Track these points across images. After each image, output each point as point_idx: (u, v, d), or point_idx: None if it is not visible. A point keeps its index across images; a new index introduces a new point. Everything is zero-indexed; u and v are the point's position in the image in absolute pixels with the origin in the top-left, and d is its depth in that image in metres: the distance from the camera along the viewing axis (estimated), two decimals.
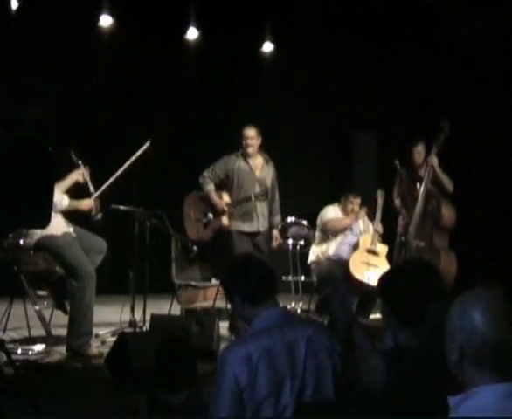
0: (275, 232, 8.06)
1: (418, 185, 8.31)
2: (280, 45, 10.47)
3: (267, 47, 10.51)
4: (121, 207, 7.46)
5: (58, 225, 6.60)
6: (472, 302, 2.27)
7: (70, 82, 9.32)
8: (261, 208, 7.86)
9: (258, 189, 7.81)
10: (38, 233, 6.56)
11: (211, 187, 7.88)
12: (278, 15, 9.82)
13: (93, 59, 9.65)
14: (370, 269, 8.01)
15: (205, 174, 7.90)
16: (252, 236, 7.82)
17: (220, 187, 7.96)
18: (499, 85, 9.17)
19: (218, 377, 3.21)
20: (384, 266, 7.84)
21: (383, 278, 3.41)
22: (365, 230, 8.41)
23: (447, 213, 8.26)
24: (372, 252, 8.17)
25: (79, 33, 9.23)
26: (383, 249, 8.27)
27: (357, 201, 8.33)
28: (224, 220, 7.86)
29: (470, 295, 2.31)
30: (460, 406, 2.22)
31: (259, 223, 7.84)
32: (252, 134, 7.81)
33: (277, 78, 10.69)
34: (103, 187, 7.07)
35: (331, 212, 8.41)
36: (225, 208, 7.84)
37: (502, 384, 2.20)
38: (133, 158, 7.29)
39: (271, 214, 7.99)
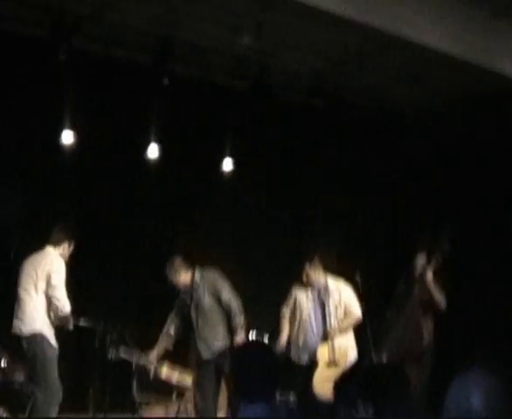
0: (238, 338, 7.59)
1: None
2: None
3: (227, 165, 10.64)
4: (81, 322, 7.42)
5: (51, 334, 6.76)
6: (470, 381, 2.30)
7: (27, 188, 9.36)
8: (202, 334, 7.68)
9: (194, 318, 7.68)
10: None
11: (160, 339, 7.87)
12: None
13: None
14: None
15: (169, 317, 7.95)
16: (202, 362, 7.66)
17: None
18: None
19: None
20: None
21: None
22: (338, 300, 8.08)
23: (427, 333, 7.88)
24: (333, 364, 7.90)
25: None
26: (343, 355, 7.95)
27: (310, 269, 8.05)
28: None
29: (470, 374, 2.34)
30: None
31: (200, 351, 7.66)
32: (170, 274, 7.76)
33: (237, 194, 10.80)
34: None
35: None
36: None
37: None
38: None
39: (233, 328, 7.67)
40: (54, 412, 6.60)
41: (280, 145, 10.06)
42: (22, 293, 7.07)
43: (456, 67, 8.48)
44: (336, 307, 8.04)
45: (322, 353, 7.98)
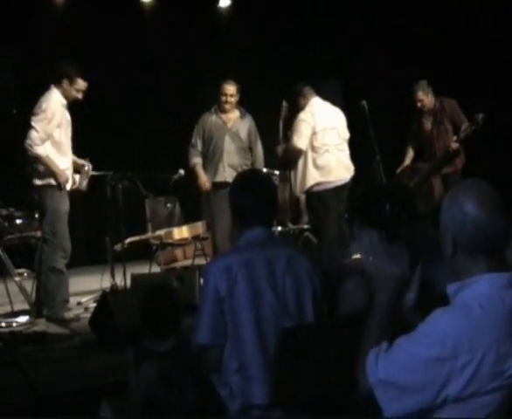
0: None
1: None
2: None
3: (224, 2, 10.45)
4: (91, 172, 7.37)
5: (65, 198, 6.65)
6: (462, 192, 2.24)
7: (25, 48, 9.23)
8: (231, 159, 7.67)
9: (229, 142, 7.70)
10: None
11: (194, 161, 7.73)
12: None
13: (46, 24, 9.58)
14: None
15: (192, 141, 7.77)
16: (221, 186, 7.55)
17: None
18: None
19: (202, 288, 3.37)
20: None
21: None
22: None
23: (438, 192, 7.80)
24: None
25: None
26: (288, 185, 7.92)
27: (300, 95, 7.46)
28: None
29: (461, 186, 2.28)
30: (457, 294, 2.21)
31: (225, 174, 7.59)
32: (232, 91, 7.68)
33: (235, 32, 10.60)
34: None
35: None
36: (206, 187, 7.71)
37: (499, 274, 2.18)
38: None
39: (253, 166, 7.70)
40: (62, 263, 6.62)
41: None
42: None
43: None
44: (285, 134, 7.96)
45: None
